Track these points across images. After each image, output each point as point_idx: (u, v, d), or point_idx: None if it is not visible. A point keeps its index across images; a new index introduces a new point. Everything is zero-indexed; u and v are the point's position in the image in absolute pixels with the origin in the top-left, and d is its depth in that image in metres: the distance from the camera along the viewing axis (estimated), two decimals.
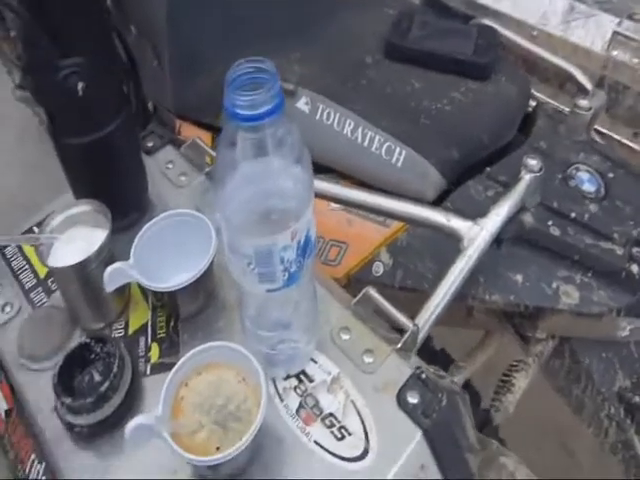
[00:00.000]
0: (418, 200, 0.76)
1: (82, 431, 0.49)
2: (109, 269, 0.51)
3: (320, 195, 0.73)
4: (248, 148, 0.40)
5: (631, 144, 1.08)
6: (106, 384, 0.48)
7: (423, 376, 0.51)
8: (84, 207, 0.58)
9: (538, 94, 1.06)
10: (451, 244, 0.68)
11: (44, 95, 0.56)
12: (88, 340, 0.52)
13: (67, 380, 0.50)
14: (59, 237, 0.56)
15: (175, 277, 0.54)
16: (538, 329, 0.78)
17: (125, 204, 0.64)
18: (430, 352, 0.96)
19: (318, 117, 0.87)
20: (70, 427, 0.50)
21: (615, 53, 1.04)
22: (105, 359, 0.51)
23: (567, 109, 0.93)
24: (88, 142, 0.58)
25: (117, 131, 0.60)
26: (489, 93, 0.88)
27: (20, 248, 0.66)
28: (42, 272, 0.64)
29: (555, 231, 0.73)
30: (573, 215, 0.74)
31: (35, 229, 0.66)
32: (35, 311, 0.60)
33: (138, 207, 0.66)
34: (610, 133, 1.10)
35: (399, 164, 0.82)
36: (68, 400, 0.48)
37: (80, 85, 0.55)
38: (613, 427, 0.75)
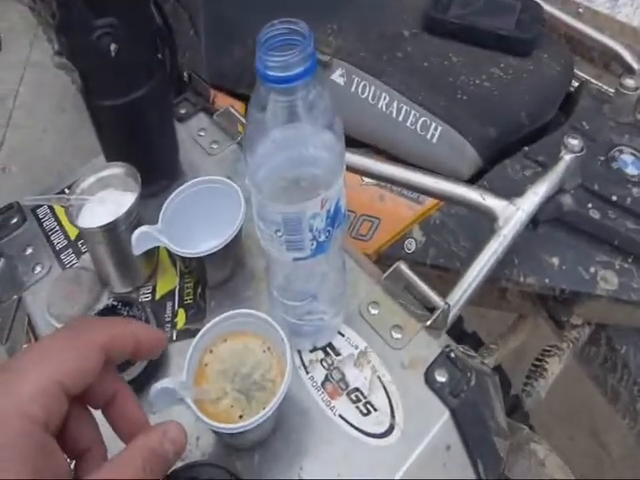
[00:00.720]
0: (453, 178, 0.73)
1: None
2: (137, 232, 0.50)
3: (353, 169, 0.71)
4: (279, 112, 0.38)
5: None
6: None
7: (452, 355, 0.49)
8: (115, 170, 0.56)
9: (581, 74, 1.02)
10: (486, 224, 0.65)
11: (77, 55, 0.55)
12: (115, 302, 0.52)
13: None
14: (89, 199, 0.55)
15: (203, 244, 0.53)
16: (574, 314, 0.75)
17: (156, 170, 0.63)
18: (461, 334, 0.94)
19: (353, 90, 0.85)
20: None
21: None
22: None
23: (612, 90, 0.88)
24: (120, 105, 0.57)
25: (149, 95, 0.58)
26: (530, 70, 0.84)
27: (52, 209, 0.66)
28: (73, 234, 0.63)
29: (595, 214, 0.69)
30: (614, 198, 0.70)
31: (66, 191, 0.65)
32: (64, 272, 0.59)
33: (169, 173, 0.65)
34: None
35: (434, 140, 0.79)
36: None
37: (113, 46, 0.54)
38: None
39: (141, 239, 0.50)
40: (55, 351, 0.31)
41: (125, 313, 0.51)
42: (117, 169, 0.56)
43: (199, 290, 0.57)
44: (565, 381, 0.80)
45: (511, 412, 0.79)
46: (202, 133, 0.72)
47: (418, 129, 0.81)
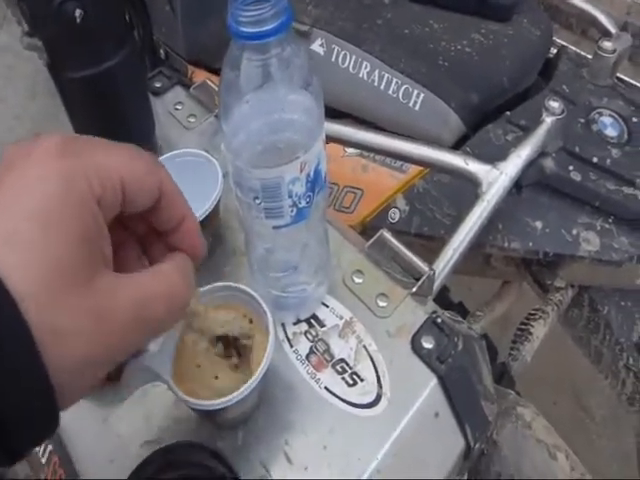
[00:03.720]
0: (436, 144, 0.70)
1: None
2: None
3: (334, 139, 0.67)
4: (253, 72, 0.35)
5: None
6: None
7: (439, 320, 0.46)
8: None
9: (560, 40, 0.98)
10: (470, 191, 0.62)
11: (39, 24, 0.50)
12: None
13: None
14: None
15: None
16: (557, 277, 0.73)
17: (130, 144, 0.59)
18: (448, 305, 0.92)
19: (333, 59, 0.81)
20: None
21: None
22: None
23: (590, 55, 0.85)
24: (89, 76, 0.52)
25: (120, 65, 0.54)
26: (510, 35, 0.81)
27: None
28: None
29: (576, 176, 0.67)
30: (595, 160, 0.68)
31: None
32: None
33: (145, 148, 0.60)
34: (632, 81, 1.02)
35: (417, 107, 0.75)
36: None
37: (78, 12, 0.49)
38: (631, 378, 0.70)
39: None
40: (120, 150, 0.30)
41: None
42: None
43: None
44: (548, 348, 0.79)
45: (498, 379, 0.78)
46: (179, 107, 0.67)
47: (400, 97, 0.77)
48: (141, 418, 0.43)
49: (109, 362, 0.27)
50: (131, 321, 0.26)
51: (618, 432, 1.22)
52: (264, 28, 0.33)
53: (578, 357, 0.79)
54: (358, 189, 0.79)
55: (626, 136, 0.71)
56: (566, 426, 1.23)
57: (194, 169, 0.53)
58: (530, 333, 0.73)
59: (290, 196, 0.39)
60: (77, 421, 0.43)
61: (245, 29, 0.33)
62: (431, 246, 0.72)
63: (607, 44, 0.78)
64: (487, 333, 0.85)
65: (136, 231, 0.33)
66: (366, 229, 0.79)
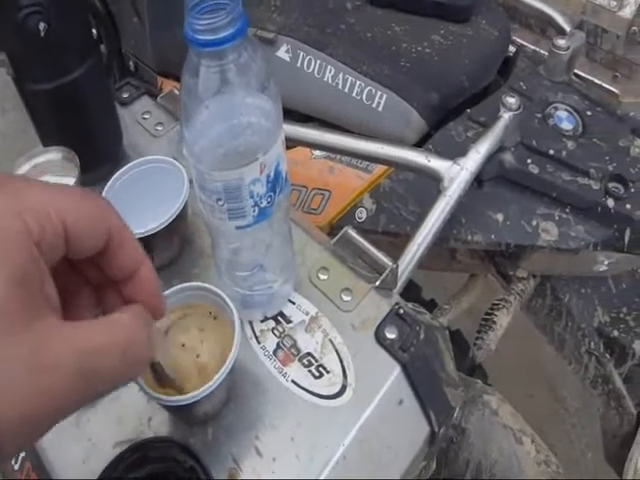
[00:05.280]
0: (399, 143, 0.71)
1: None
2: None
3: (300, 142, 0.68)
4: (211, 78, 0.36)
5: (610, 87, 1.03)
6: None
7: (401, 312, 0.48)
8: (51, 155, 0.53)
9: (519, 40, 1.01)
10: (434, 187, 0.64)
11: (4, 37, 0.51)
12: None
13: None
14: None
15: (150, 225, 0.50)
16: (519, 268, 0.75)
17: (97, 155, 0.59)
18: (419, 302, 0.93)
19: (299, 65, 0.82)
20: None
21: None
22: None
23: (546, 53, 0.88)
24: (53, 88, 0.53)
25: (85, 77, 0.54)
26: (469, 36, 0.83)
27: None
28: None
29: (534, 169, 0.69)
30: (551, 152, 0.70)
31: None
32: None
33: (112, 158, 0.61)
34: (590, 77, 1.05)
35: (380, 108, 0.77)
36: None
37: (42, 25, 0.49)
38: (593, 362, 0.73)
39: None
40: (63, 192, 0.27)
41: None
42: (54, 154, 0.53)
43: None
44: (522, 343, 0.81)
45: (471, 372, 0.79)
46: (146, 116, 0.68)
47: (364, 99, 0.79)
48: (114, 419, 0.44)
49: (53, 419, 0.24)
50: (74, 374, 0.23)
51: (591, 422, 1.25)
52: (220, 35, 0.33)
53: (551, 350, 0.81)
54: (326, 190, 0.80)
55: (581, 129, 0.74)
56: (542, 418, 1.27)
57: (161, 175, 0.53)
58: (494, 322, 0.75)
59: (252, 197, 0.40)
60: None
61: (201, 37, 0.33)
62: (398, 243, 0.73)
63: (561, 42, 0.80)
64: (459, 328, 0.88)
65: (89, 278, 0.31)
66: (334, 230, 0.80)
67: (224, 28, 0.33)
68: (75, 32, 0.54)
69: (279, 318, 0.49)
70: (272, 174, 0.40)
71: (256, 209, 0.41)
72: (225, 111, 0.38)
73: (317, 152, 0.81)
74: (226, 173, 0.38)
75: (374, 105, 0.78)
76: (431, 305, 0.94)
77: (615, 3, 0.96)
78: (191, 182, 0.51)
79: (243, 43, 0.35)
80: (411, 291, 0.89)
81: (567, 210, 0.67)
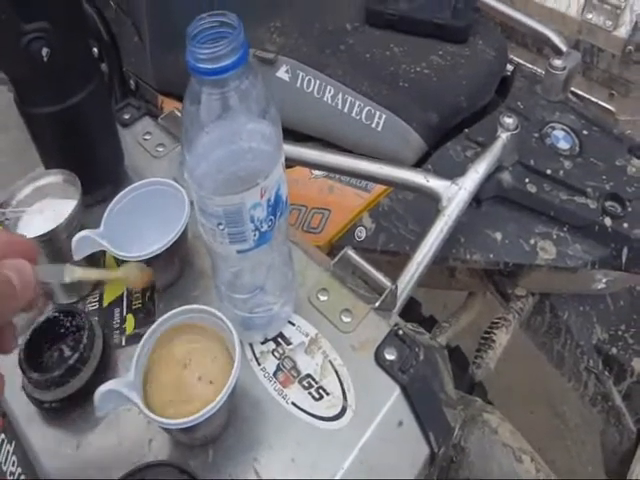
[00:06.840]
0: (398, 163, 0.72)
1: (52, 407, 0.45)
2: (77, 236, 0.47)
3: (301, 162, 0.69)
4: (213, 105, 0.36)
5: (607, 105, 1.04)
6: (75, 356, 0.44)
7: (400, 332, 0.48)
8: (52, 178, 0.53)
9: (516, 58, 1.02)
10: (433, 206, 0.64)
11: (7, 62, 0.52)
12: (56, 314, 0.47)
13: (36, 356, 0.45)
14: (26, 210, 0.51)
15: (151, 247, 0.50)
16: (518, 286, 0.75)
17: (99, 176, 0.60)
18: (419, 319, 0.93)
19: (298, 85, 0.83)
20: (39, 404, 0.45)
21: (589, 17, 1.00)
22: (75, 333, 0.47)
23: (543, 72, 0.89)
24: (55, 112, 0.53)
25: (87, 100, 0.55)
26: (467, 56, 0.84)
27: None
28: None
29: (532, 188, 0.70)
30: (549, 172, 0.71)
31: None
32: None
33: (113, 179, 0.62)
34: (587, 95, 1.06)
35: (379, 128, 0.78)
36: (34, 375, 0.43)
37: (45, 51, 0.50)
38: (592, 379, 0.73)
39: (81, 244, 0.48)
40: None
41: (68, 324, 0.47)
42: (55, 177, 0.53)
43: (148, 294, 0.54)
44: (523, 362, 0.80)
45: (471, 389, 0.79)
46: (147, 137, 0.69)
47: (363, 119, 0.80)
48: (114, 442, 0.44)
49: None
50: None
51: (592, 437, 1.26)
52: (222, 64, 0.34)
53: (551, 367, 0.81)
54: (326, 209, 0.81)
55: (577, 148, 0.75)
56: (543, 433, 1.27)
57: (162, 197, 0.54)
58: (493, 341, 0.75)
59: (252, 221, 0.40)
60: (50, 449, 0.44)
61: (203, 65, 0.34)
62: (397, 262, 0.73)
63: (557, 62, 0.82)
64: (459, 345, 0.88)
65: None
66: (334, 249, 0.81)
67: (226, 57, 0.34)
68: (78, 57, 0.55)
69: (279, 340, 0.49)
70: (272, 198, 0.41)
71: (257, 233, 0.41)
72: (226, 136, 0.38)
73: (316, 171, 0.82)
74: (227, 198, 0.39)
75: (373, 125, 0.79)
76: (430, 321, 0.94)
77: (611, 23, 0.98)
78: (192, 203, 0.52)
79: (244, 70, 0.35)
80: (411, 307, 0.90)
81: (565, 229, 0.68)
